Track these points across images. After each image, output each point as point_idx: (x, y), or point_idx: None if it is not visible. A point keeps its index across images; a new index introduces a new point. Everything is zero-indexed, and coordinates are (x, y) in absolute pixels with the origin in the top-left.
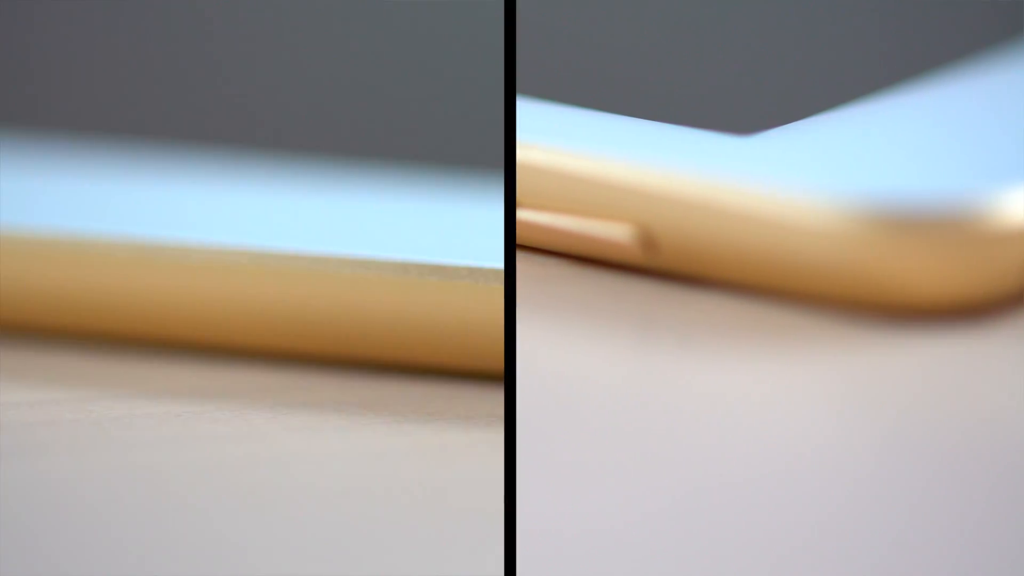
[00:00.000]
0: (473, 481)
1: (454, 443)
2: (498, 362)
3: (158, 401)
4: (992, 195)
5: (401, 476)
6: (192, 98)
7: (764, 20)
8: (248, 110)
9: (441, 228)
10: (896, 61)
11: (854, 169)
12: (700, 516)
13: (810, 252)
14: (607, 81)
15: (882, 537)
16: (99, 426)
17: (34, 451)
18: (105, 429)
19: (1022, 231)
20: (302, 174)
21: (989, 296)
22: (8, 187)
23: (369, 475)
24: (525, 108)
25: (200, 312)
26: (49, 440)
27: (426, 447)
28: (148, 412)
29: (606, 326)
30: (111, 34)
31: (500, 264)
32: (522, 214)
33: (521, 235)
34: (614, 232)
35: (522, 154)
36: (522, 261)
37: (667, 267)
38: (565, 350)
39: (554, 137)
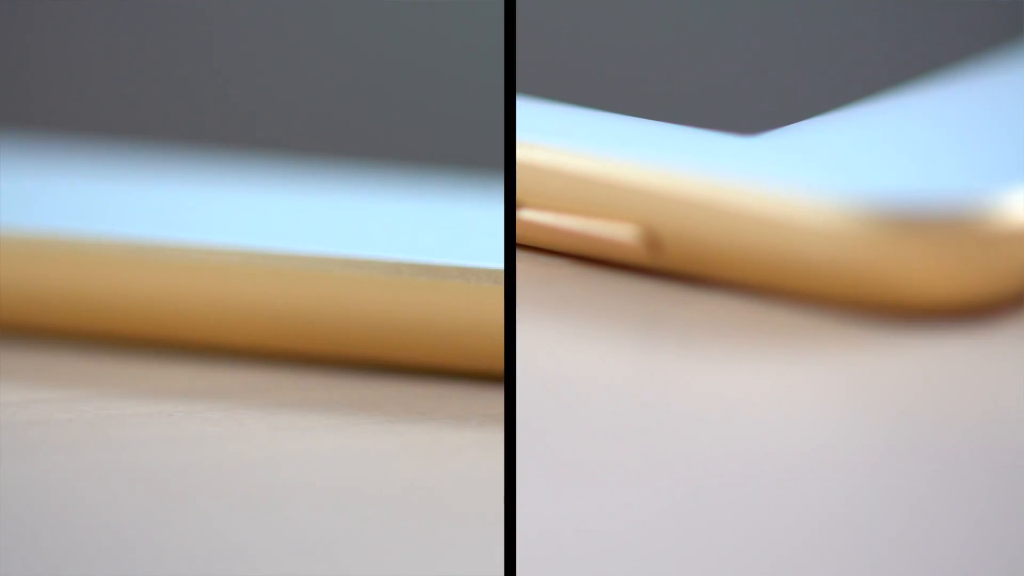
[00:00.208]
0: (470, 481)
1: (454, 443)
2: (499, 362)
3: (150, 401)
4: (993, 196)
5: (396, 476)
6: (191, 98)
7: (768, 21)
8: (247, 110)
9: (441, 228)
10: (898, 62)
11: (857, 169)
12: (702, 516)
13: (813, 252)
14: (610, 81)
15: (883, 537)
16: (91, 426)
17: (26, 450)
18: (97, 428)
19: (1023, 232)
20: (302, 174)
21: (990, 296)
22: (6, 187)
23: (363, 475)
24: (528, 108)
25: (196, 312)
26: (41, 440)
27: (423, 447)
28: (140, 412)
29: (610, 326)
30: (111, 34)
31: (500, 264)
32: (526, 214)
33: (525, 235)
34: (618, 232)
35: (526, 154)
36: (525, 261)
37: (671, 267)
38: (568, 350)
39: (559, 137)
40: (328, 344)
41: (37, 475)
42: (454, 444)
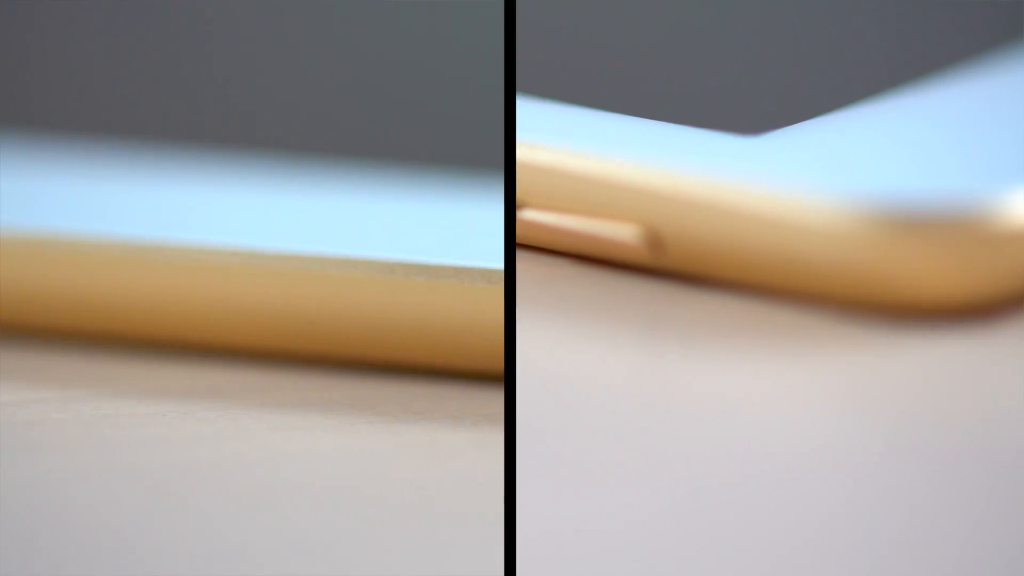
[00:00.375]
0: (469, 481)
1: (452, 443)
2: (498, 362)
3: (148, 400)
4: (995, 196)
5: (394, 477)
6: (191, 98)
7: (768, 21)
8: (247, 110)
9: (441, 228)
10: (899, 62)
11: (858, 170)
12: (702, 516)
13: (814, 252)
14: (610, 81)
15: (884, 537)
16: (89, 425)
17: (22, 450)
18: (95, 428)
19: None
20: (301, 174)
21: (992, 297)
22: (6, 187)
23: (362, 475)
24: (529, 108)
25: (194, 312)
26: (39, 439)
27: (422, 447)
28: (138, 411)
29: (611, 326)
30: (111, 34)
31: (500, 264)
32: (527, 214)
33: (526, 235)
34: (620, 232)
35: (527, 154)
36: (526, 261)
37: (672, 267)
38: (568, 350)
39: (560, 137)
40: (327, 344)
41: (35, 475)
42: (452, 444)
